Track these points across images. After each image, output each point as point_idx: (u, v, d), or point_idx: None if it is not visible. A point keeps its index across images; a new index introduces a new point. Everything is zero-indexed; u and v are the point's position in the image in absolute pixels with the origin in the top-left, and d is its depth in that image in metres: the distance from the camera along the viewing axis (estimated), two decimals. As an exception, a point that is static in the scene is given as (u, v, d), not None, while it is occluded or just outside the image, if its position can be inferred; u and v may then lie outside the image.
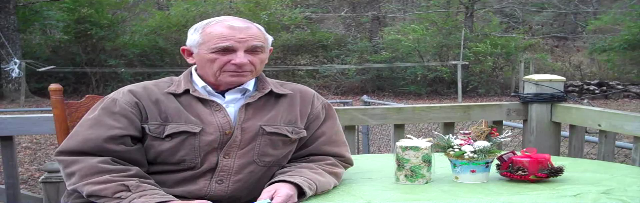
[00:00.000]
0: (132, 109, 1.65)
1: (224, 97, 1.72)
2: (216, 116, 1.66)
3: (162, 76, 13.09)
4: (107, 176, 1.53)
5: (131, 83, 3.24)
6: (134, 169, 1.58)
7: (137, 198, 1.48)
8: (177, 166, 1.64)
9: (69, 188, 1.59)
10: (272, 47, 1.79)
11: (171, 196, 1.54)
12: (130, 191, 1.50)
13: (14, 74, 14.64)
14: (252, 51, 1.67)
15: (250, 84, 1.75)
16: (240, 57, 1.65)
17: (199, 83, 1.72)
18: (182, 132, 1.62)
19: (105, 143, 1.59)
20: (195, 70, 1.76)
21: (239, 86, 1.72)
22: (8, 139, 2.50)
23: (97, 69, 16.61)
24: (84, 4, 16.70)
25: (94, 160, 1.56)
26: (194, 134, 1.63)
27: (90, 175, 1.54)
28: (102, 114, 1.64)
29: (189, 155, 1.63)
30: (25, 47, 16.70)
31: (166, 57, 17.67)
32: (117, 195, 1.50)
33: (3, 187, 2.83)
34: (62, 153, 1.61)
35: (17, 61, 14.63)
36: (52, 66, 15.27)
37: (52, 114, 1.91)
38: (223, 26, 1.67)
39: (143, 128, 1.64)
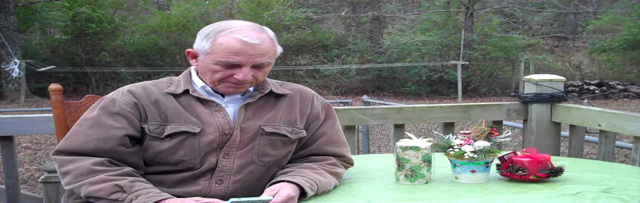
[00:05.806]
0: (131, 109, 1.64)
1: (223, 97, 1.72)
2: (216, 116, 1.66)
3: (162, 76, 13.08)
4: (101, 175, 1.53)
5: (131, 82, 3.24)
6: (127, 168, 1.58)
7: (135, 199, 1.48)
8: (176, 167, 1.63)
9: (66, 188, 1.59)
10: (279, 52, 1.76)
11: (167, 194, 1.53)
12: (124, 192, 1.50)
13: (14, 74, 14.64)
14: (257, 66, 1.65)
15: (249, 85, 1.74)
16: (244, 73, 1.62)
17: (198, 83, 1.71)
18: (181, 132, 1.62)
19: (105, 144, 1.59)
20: (195, 70, 1.75)
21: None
22: (8, 139, 2.50)
23: (97, 69, 16.61)
24: (82, 4, 16.69)
25: (89, 161, 1.56)
26: (194, 134, 1.63)
27: (84, 174, 1.54)
28: (102, 114, 1.64)
29: (188, 155, 1.63)
30: (25, 47, 16.70)
31: (166, 57, 17.66)
32: (113, 196, 1.50)
33: (3, 187, 2.83)
34: (60, 152, 1.61)
35: (17, 61, 14.63)
36: (52, 66, 15.28)
37: (52, 114, 1.91)
38: (236, 40, 1.60)
39: (142, 128, 1.64)
